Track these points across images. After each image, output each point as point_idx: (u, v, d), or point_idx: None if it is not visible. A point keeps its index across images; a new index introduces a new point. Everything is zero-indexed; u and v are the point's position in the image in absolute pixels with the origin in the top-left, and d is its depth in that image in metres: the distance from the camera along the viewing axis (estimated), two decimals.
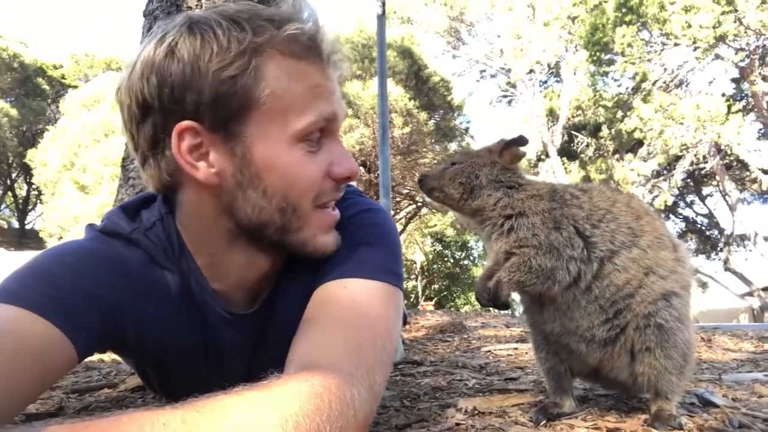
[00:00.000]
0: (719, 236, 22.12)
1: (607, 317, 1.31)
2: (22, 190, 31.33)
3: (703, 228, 23.65)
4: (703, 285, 21.47)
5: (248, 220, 1.06)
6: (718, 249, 21.97)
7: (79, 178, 17.30)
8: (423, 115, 14.00)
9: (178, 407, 0.69)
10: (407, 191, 16.53)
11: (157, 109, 1.01)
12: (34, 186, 24.65)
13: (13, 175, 30.08)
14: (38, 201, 27.34)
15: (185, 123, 0.99)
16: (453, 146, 16.64)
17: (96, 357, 2.65)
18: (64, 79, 29.17)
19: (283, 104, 1.00)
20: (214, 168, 1.02)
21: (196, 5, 3.11)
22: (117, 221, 1.15)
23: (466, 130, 19.46)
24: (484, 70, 23.60)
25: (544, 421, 1.30)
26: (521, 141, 1.50)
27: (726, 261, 19.78)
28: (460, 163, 1.50)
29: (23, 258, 1.07)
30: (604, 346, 1.34)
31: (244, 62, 0.98)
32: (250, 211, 1.05)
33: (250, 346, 1.22)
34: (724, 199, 20.39)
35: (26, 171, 26.17)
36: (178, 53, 0.98)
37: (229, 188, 1.04)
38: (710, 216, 23.27)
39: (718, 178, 19.58)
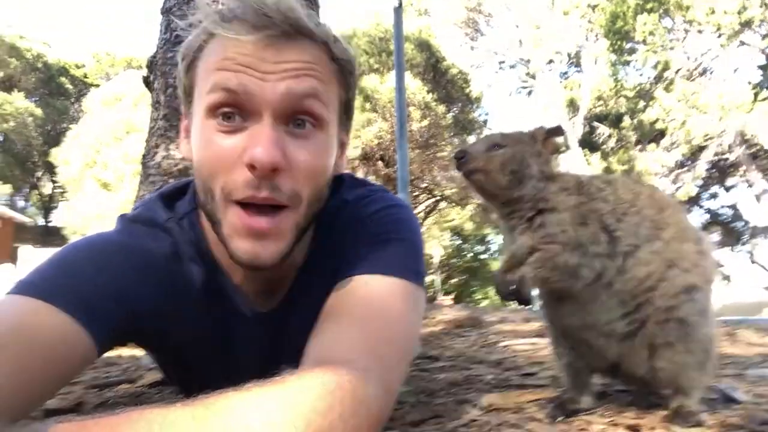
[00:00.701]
0: (744, 228, 21.70)
1: (627, 311, 1.29)
2: (46, 188, 31.96)
3: (728, 219, 23.21)
4: (728, 278, 21.10)
5: (200, 204, 1.09)
6: (743, 241, 21.56)
7: (102, 176, 17.59)
8: (441, 108, 13.95)
9: (189, 404, 0.69)
10: (426, 185, 16.49)
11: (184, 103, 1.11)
12: (58, 184, 25.13)
13: (39, 174, 30.70)
14: (62, 198, 27.88)
15: (183, 107, 1.09)
16: (472, 139, 16.55)
17: (115, 352, 2.70)
18: (87, 78, 29.66)
19: (201, 79, 1.01)
20: (188, 146, 1.09)
21: (213, 1, 3.13)
22: (154, 209, 1.17)
23: (485, 122, 19.35)
24: (503, 62, 23.37)
25: (562, 418, 1.29)
26: (560, 131, 1.44)
27: (751, 253, 19.40)
28: (504, 146, 1.37)
29: (48, 254, 1.08)
30: (624, 340, 1.32)
31: (191, 44, 1.04)
32: (198, 192, 1.08)
33: (269, 343, 1.23)
34: (750, 190, 19.97)
35: (50, 169, 26.67)
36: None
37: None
38: (735, 207, 22.84)
39: (743, 168, 19.18)
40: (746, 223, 21.64)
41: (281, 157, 0.96)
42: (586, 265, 1.26)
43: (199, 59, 1.03)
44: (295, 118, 1.00)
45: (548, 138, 1.41)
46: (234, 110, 0.97)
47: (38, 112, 26.89)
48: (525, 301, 1.27)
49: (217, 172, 0.98)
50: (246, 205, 0.98)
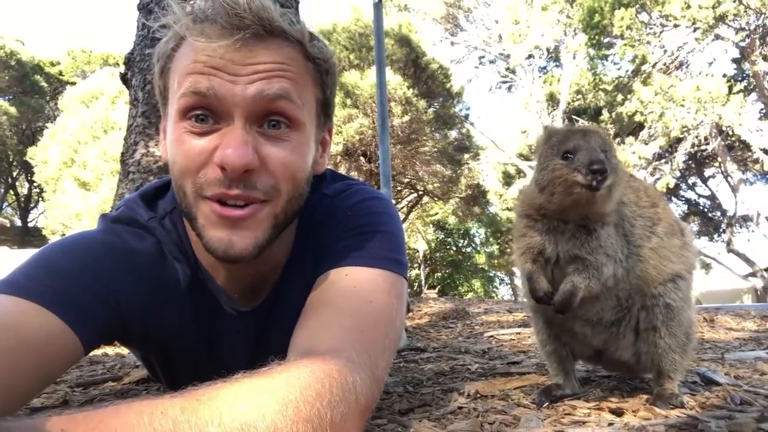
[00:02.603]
0: (722, 217, 22.08)
1: (618, 302, 1.32)
2: (23, 188, 31.36)
3: (706, 209, 23.59)
4: (707, 266, 21.47)
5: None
6: (721, 230, 21.94)
7: (80, 175, 17.29)
8: (422, 103, 13.93)
9: (177, 396, 0.69)
10: (408, 180, 16.50)
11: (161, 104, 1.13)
12: (35, 184, 24.68)
13: (14, 174, 30.10)
14: (40, 198, 27.38)
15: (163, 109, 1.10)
16: (453, 134, 16.59)
17: (100, 351, 2.67)
18: (62, 75, 29.09)
19: (174, 83, 1.02)
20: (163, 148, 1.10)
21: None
22: (135, 209, 1.17)
23: (466, 117, 19.36)
24: (483, 57, 23.47)
25: (547, 403, 1.31)
26: None
27: (729, 242, 19.77)
28: (608, 153, 1.23)
29: (26, 256, 1.07)
30: (610, 327, 1.34)
31: (164, 47, 1.05)
32: (174, 191, 1.08)
33: (254, 340, 1.23)
34: (726, 181, 20.33)
35: (27, 169, 26.16)
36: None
37: None
38: (712, 197, 23.21)
39: (719, 159, 19.52)
40: (724, 212, 22.01)
41: (252, 157, 0.96)
42: (614, 274, 1.26)
43: (172, 62, 1.03)
44: (269, 119, 1.00)
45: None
46: (206, 112, 0.98)
47: (12, 110, 26.32)
48: (570, 310, 1.25)
49: (189, 171, 0.99)
50: (219, 201, 0.99)
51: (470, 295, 24.64)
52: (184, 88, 0.97)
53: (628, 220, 1.30)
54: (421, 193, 17.60)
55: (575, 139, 1.22)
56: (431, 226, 26.70)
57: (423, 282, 23.94)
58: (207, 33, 0.96)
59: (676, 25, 16.36)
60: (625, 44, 16.98)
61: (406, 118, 13.54)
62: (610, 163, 1.19)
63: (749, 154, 19.04)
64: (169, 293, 1.13)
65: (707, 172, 22.88)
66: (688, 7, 15.27)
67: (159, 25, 1.05)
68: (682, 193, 23.77)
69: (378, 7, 3.64)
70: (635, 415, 1.19)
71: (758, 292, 19.27)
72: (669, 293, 1.30)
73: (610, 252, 1.25)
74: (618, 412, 1.21)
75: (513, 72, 22.54)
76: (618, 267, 1.27)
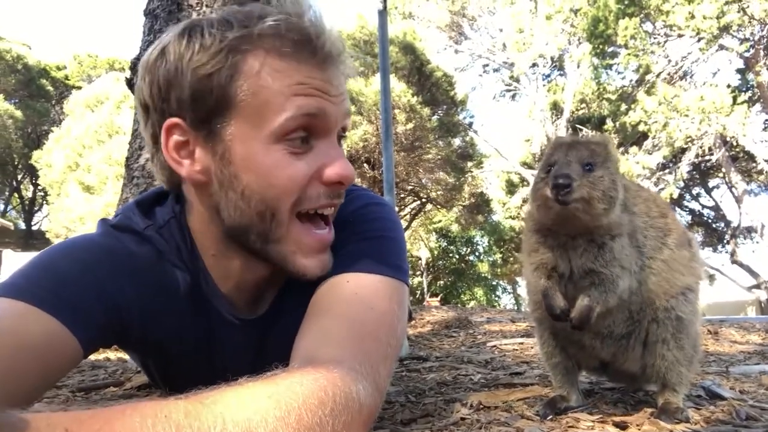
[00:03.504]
0: (726, 228, 22.01)
1: (629, 315, 1.31)
2: (28, 192, 31.49)
3: (710, 220, 23.54)
4: (711, 278, 21.40)
5: (231, 223, 1.05)
6: (725, 241, 21.87)
7: (84, 179, 17.37)
8: (426, 111, 13.97)
9: (182, 399, 0.68)
10: (411, 187, 16.51)
11: (152, 108, 1.05)
12: (39, 187, 24.79)
13: (19, 177, 30.22)
14: (44, 202, 27.49)
15: (172, 120, 1.02)
16: (457, 141, 16.61)
17: (102, 355, 2.66)
18: (68, 80, 29.28)
19: (260, 102, 0.98)
20: (198, 166, 1.03)
21: (197, 3, 3.11)
22: (131, 216, 1.15)
23: (470, 125, 19.41)
24: (487, 65, 23.53)
25: (552, 416, 1.30)
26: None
27: (733, 253, 19.69)
28: (596, 165, 1.21)
29: (30, 259, 1.07)
30: (620, 339, 1.33)
31: (220, 59, 0.98)
32: (232, 212, 1.04)
33: (255, 348, 1.22)
34: (731, 191, 20.28)
35: (32, 172, 26.31)
36: (167, 54, 1.02)
37: (215, 188, 1.04)
38: (716, 208, 23.15)
39: (724, 170, 19.47)
40: (728, 223, 21.94)
41: (352, 170, 1.06)
42: (629, 286, 1.25)
43: (241, 76, 0.98)
44: (341, 133, 1.09)
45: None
46: (306, 133, 1.01)
47: (18, 114, 26.46)
48: (587, 326, 1.24)
49: (290, 192, 1.01)
50: (311, 217, 1.05)
51: (473, 303, 24.57)
52: (293, 110, 0.98)
53: (641, 231, 1.28)
54: (424, 200, 17.62)
55: (558, 153, 1.23)
56: (434, 233, 26.70)
57: (425, 290, 23.89)
58: (305, 54, 1.00)
59: (680, 35, 16.37)
60: (629, 54, 17.00)
61: (410, 125, 13.58)
62: (589, 175, 1.17)
63: (753, 164, 19.01)
64: (168, 298, 1.12)
65: (711, 183, 22.86)
66: (693, 17, 15.28)
67: (233, 36, 0.99)
68: (685, 203, 23.74)
69: (383, 14, 3.65)
70: (639, 429, 1.18)
71: (762, 304, 19.17)
72: (680, 306, 1.29)
73: (625, 264, 1.23)
74: (622, 426, 1.20)
75: (517, 80, 22.59)
76: (632, 279, 1.25)
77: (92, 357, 1.02)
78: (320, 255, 1.07)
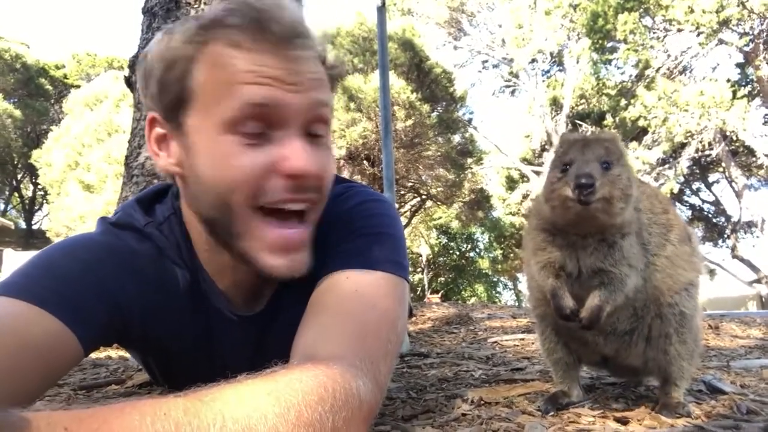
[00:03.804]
0: (726, 223, 22.00)
1: (634, 312, 1.30)
2: (28, 191, 31.49)
3: (710, 215, 23.54)
4: (711, 273, 21.40)
5: (200, 216, 1.07)
6: (725, 236, 21.86)
7: (84, 178, 17.37)
8: (425, 108, 13.95)
9: (181, 396, 0.68)
10: (411, 184, 16.50)
11: (143, 104, 1.12)
12: (39, 186, 24.79)
13: (19, 176, 30.22)
14: (44, 201, 27.49)
15: (152, 114, 1.05)
16: (456, 138, 16.59)
17: (103, 354, 2.67)
18: (67, 79, 29.25)
19: (213, 93, 0.97)
20: (172, 158, 1.05)
21: (195, 0, 3.10)
22: (132, 214, 1.16)
23: (470, 121, 19.40)
24: (486, 61, 23.51)
25: (554, 411, 1.30)
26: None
27: (733, 248, 19.69)
28: (613, 164, 1.18)
29: (30, 258, 1.07)
30: (623, 336, 1.33)
31: (180, 53, 0.99)
32: (200, 205, 1.05)
33: (254, 346, 1.22)
34: (731, 186, 20.28)
35: (32, 171, 26.30)
36: (148, 51, 1.04)
37: (188, 180, 1.05)
38: (717, 203, 23.15)
39: (724, 164, 19.46)
40: (728, 218, 21.94)
41: (319, 164, 0.99)
42: (636, 285, 1.24)
43: (197, 67, 0.98)
44: (313, 125, 1.01)
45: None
46: (260, 123, 0.96)
47: (17, 113, 26.45)
48: (597, 325, 1.22)
49: (242, 185, 0.97)
50: (272, 212, 0.99)
51: (473, 300, 24.60)
52: (239, 99, 0.94)
53: (646, 228, 1.27)
54: (424, 197, 17.60)
55: (573, 151, 1.20)
56: (434, 230, 26.70)
57: (426, 287, 23.92)
58: (259, 41, 0.96)
59: (679, 30, 16.34)
60: (628, 49, 16.97)
61: (410, 122, 13.56)
62: (608, 174, 1.15)
63: (753, 159, 19.00)
64: (168, 295, 1.13)
65: (711, 178, 22.84)
66: (692, 11, 15.25)
67: (186, 26, 1.00)
68: (686, 198, 23.73)
69: (381, 11, 3.64)
70: (640, 424, 1.18)
71: (763, 299, 19.17)
72: (683, 301, 1.29)
73: (633, 263, 1.22)
74: (623, 421, 1.20)
75: (516, 76, 22.56)
76: (639, 277, 1.25)
77: (93, 355, 1.02)
78: (289, 254, 1.01)
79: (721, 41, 16.65)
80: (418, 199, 18.11)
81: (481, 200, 19.21)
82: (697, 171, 22.11)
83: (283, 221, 1.01)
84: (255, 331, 1.21)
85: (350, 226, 1.15)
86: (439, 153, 15.19)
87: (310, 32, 1.01)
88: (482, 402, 1.41)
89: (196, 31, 0.98)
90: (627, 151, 1.26)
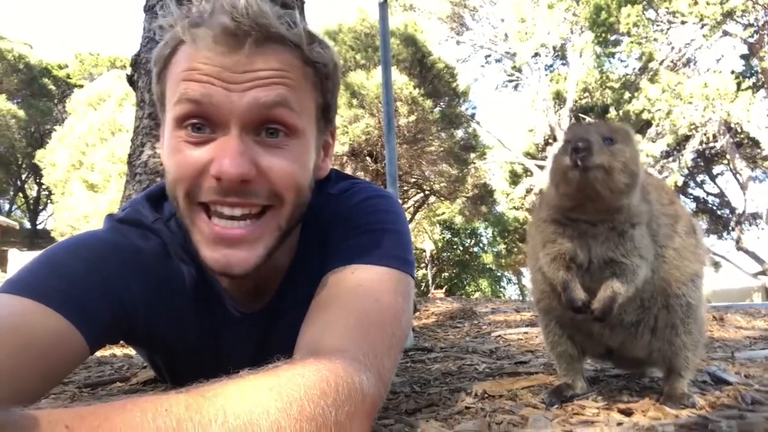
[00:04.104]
0: (731, 215, 21.91)
1: (641, 303, 1.30)
2: (32, 191, 31.59)
3: (715, 207, 23.43)
4: (716, 265, 21.32)
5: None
6: (730, 228, 21.77)
7: (88, 177, 17.40)
8: (428, 103, 13.90)
9: (182, 392, 0.69)
10: (414, 180, 16.47)
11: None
12: (44, 186, 24.85)
13: (23, 176, 30.32)
14: (48, 201, 27.56)
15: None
16: (459, 133, 16.54)
17: (108, 351, 2.68)
18: (70, 78, 29.30)
19: (170, 89, 1.01)
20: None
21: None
22: (140, 210, 1.17)
23: (473, 116, 19.32)
24: (489, 55, 23.39)
25: (558, 404, 1.29)
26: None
27: (738, 240, 19.60)
28: (617, 142, 1.16)
29: (36, 255, 1.08)
30: (629, 327, 1.32)
31: (161, 51, 1.03)
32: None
33: (259, 343, 1.23)
34: (735, 178, 20.17)
35: (36, 171, 26.36)
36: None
37: None
38: (721, 195, 23.05)
39: (728, 156, 19.36)
40: (733, 210, 21.85)
41: (248, 168, 0.95)
42: (646, 276, 1.23)
43: (168, 67, 1.02)
44: (267, 127, 0.98)
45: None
46: (202, 121, 0.96)
47: (21, 113, 26.50)
48: (610, 317, 1.21)
49: (182, 180, 0.98)
50: (212, 212, 0.98)
51: (477, 294, 24.59)
52: (178, 95, 0.96)
53: (655, 219, 1.26)
54: (427, 192, 17.57)
55: (575, 129, 1.19)
56: (438, 225, 26.67)
57: (430, 282, 23.92)
58: (202, 38, 0.94)
59: (683, 22, 16.24)
60: (631, 41, 16.88)
61: (413, 117, 13.52)
62: (609, 146, 1.13)
63: (758, 151, 18.88)
64: (174, 293, 1.13)
65: (716, 170, 22.72)
66: (696, 3, 15.15)
67: (157, 25, 1.03)
68: (690, 190, 23.62)
69: (383, 6, 3.63)
70: (645, 415, 1.18)
71: None
72: (690, 292, 1.28)
73: (644, 253, 1.21)
74: (627, 412, 1.20)
75: (519, 70, 22.46)
76: (649, 269, 1.24)
77: (98, 353, 1.02)
78: (225, 249, 0.99)
79: (725, 33, 16.53)
80: (422, 194, 18.07)
81: (484, 195, 19.15)
82: (702, 163, 21.99)
83: (219, 216, 0.99)
84: (259, 329, 1.22)
85: (355, 222, 1.15)
86: (442, 148, 15.14)
87: (273, 26, 0.97)
88: (486, 395, 1.41)
89: (173, 33, 1.00)
90: (636, 142, 1.24)
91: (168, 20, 1.01)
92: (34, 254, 1.07)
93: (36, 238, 27.42)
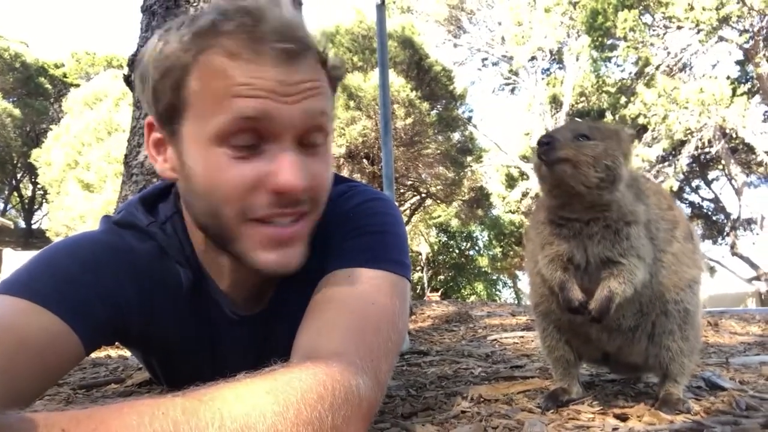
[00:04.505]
0: (726, 221, 22.00)
1: (639, 308, 1.30)
2: (27, 190, 31.47)
3: (710, 213, 23.54)
4: (711, 270, 21.40)
5: (197, 220, 1.06)
6: (725, 234, 21.86)
7: (84, 177, 17.35)
8: (425, 106, 13.92)
9: (179, 396, 0.69)
10: (411, 182, 16.49)
11: (142, 106, 1.09)
12: (39, 185, 24.78)
13: (19, 176, 30.20)
14: (44, 200, 27.49)
15: (149, 117, 1.05)
16: (456, 136, 16.57)
17: (103, 353, 2.67)
18: (66, 77, 29.20)
19: (206, 104, 0.94)
20: (169, 164, 1.04)
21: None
22: (134, 213, 1.16)
23: (469, 119, 19.36)
24: (486, 59, 23.49)
25: (554, 409, 1.30)
26: (643, 133, 1.36)
27: (733, 245, 19.69)
28: (594, 139, 1.19)
29: (32, 256, 1.07)
30: (626, 332, 1.32)
31: (175, 61, 0.95)
32: (194, 210, 1.05)
33: (256, 346, 1.22)
34: (730, 183, 20.28)
35: (31, 171, 26.28)
36: (145, 52, 1.02)
37: (182, 186, 1.06)
38: (716, 200, 23.15)
39: (723, 162, 19.45)
40: (728, 215, 21.93)
41: (310, 179, 0.97)
42: (644, 279, 1.23)
43: (191, 76, 0.95)
44: (310, 135, 0.99)
45: (634, 140, 1.29)
46: (252, 136, 0.94)
47: (16, 112, 26.40)
48: (607, 317, 1.20)
49: (234, 197, 0.95)
50: (266, 221, 0.98)
51: (473, 298, 24.61)
52: (231, 112, 0.91)
53: (654, 223, 1.26)
54: (423, 195, 17.59)
55: (550, 129, 1.25)
56: (434, 228, 26.68)
57: (426, 285, 23.92)
58: (251, 50, 0.92)
59: (679, 27, 16.32)
60: (628, 46, 16.96)
61: (409, 120, 13.54)
62: (579, 142, 1.16)
63: (753, 156, 18.98)
64: (170, 295, 1.13)
65: (711, 175, 22.84)
66: (692, 8, 15.24)
67: (166, 28, 1.00)
68: (685, 196, 23.72)
69: (381, 9, 3.63)
70: (640, 420, 1.18)
71: (762, 296, 19.17)
72: (688, 298, 1.29)
73: (641, 254, 1.21)
74: (623, 417, 1.20)
75: (516, 74, 22.55)
76: (647, 272, 1.23)
77: (93, 354, 1.02)
78: (281, 248, 1.00)
79: (720, 38, 16.63)
80: (418, 197, 18.09)
81: (480, 198, 19.19)
82: (697, 168, 22.09)
83: (274, 225, 1.00)
84: (257, 332, 1.21)
85: (352, 225, 1.15)
86: (438, 151, 15.17)
87: (309, 36, 0.98)
88: (482, 399, 1.41)
89: (191, 38, 0.95)
90: (629, 142, 1.25)
91: (190, 28, 0.96)
92: (29, 254, 1.06)
93: (31, 237, 27.28)
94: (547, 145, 1.15)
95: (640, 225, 1.23)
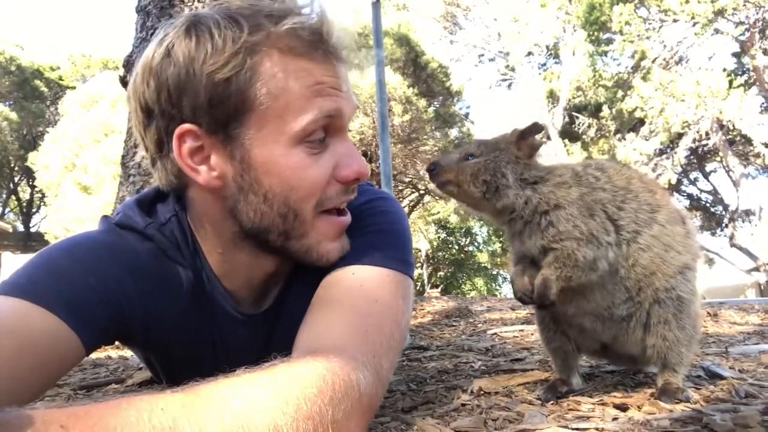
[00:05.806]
0: (724, 212, 22.03)
1: (629, 296, 1.31)
2: (25, 193, 31.42)
3: (708, 204, 23.57)
4: (710, 261, 21.42)
5: (251, 225, 1.05)
6: (723, 225, 21.89)
7: (81, 179, 17.33)
8: (422, 102, 13.93)
9: (178, 391, 0.69)
10: (409, 179, 16.49)
11: (158, 113, 1.01)
12: (37, 188, 24.74)
13: (16, 179, 30.16)
14: (42, 203, 27.46)
15: (185, 126, 0.99)
16: (453, 132, 16.58)
17: (103, 353, 2.67)
18: (62, 80, 29.13)
19: (281, 105, 0.96)
20: (215, 171, 1.02)
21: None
22: (131, 215, 1.15)
23: (466, 115, 19.36)
24: (482, 55, 23.46)
25: (553, 400, 1.30)
26: (536, 129, 1.38)
27: (731, 237, 19.71)
28: (477, 156, 1.33)
29: (32, 257, 1.07)
30: (620, 322, 1.33)
31: (238, 62, 0.95)
32: (252, 215, 1.04)
33: (260, 345, 1.22)
34: (728, 175, 20.29)
35: (29, 174, 26.24)
36: (174, 56, 0.97)
37: (232, 192, 1.03)
38: (714, 192, 23.18)
39: (721, 154, 19.47)
40: (726, 207, 21.96)
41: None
42: (602, 257, 1.26)
43: (256, 78, 0.96)
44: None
45: (522, 140, 1.38)
46: (321, 131, 1.02)
47: (13, 116, 26.37)
48: (550, 304, 1.25)
49: (313, 193, 1.03)
50: (331, 210, 1.07)
51: (473, 293, 24.62)
52: (315, 111, 0.98)
53: (611, 202, 1.29)
54: (422, 192, 17.59)
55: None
56: (433, 225, 26.68)
57: (426, 281, 23.92)
58: (318, 49, 1.00)
59: (675, 20, 16.32)
60: (624, 40, 16.97)
61: (407, 117, 13.54)
62: (462, 163, 1.33)
63: (750, 148, 19.00)
64: (170, 295, 1.13)
65: (709, 167, 22.86)
66: (687, 1, 15.24)
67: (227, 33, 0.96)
68: (683, 188, 23.76)
69: (376, 6, 3.63)
70: (640, 410, 1.18)
71: (761, 287, 19.21)
72: (680, 285, 1.29)
73: (577, 234, 1.24)
74: (622, 407, 1.20)
75: (513, 70, 22.52)
76: (605, 251, 1.26)
77: (93, 355, 1.02)
78: (341, 237, 1.10)
79: (716, 31, 16.64)
80: (417, 194, 18.10)
81: None
82: (695, 161, 22.11)
83: (339, 212, 1.10)
84: (261, 329, 1.22)
85: (357, 223, 1.15)
86: (436, 147, 15.16)
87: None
88: (482, 392, 1.41)
89: (253, 40, 0.96)
90: (515, 144, 1.37)
91: (259, 35, 0.97)
92: (28, 257, 1.06)
93: (29, 240, 27.25)
94: (432, 170, 1.34)
95: (566, 208, 1.27)
